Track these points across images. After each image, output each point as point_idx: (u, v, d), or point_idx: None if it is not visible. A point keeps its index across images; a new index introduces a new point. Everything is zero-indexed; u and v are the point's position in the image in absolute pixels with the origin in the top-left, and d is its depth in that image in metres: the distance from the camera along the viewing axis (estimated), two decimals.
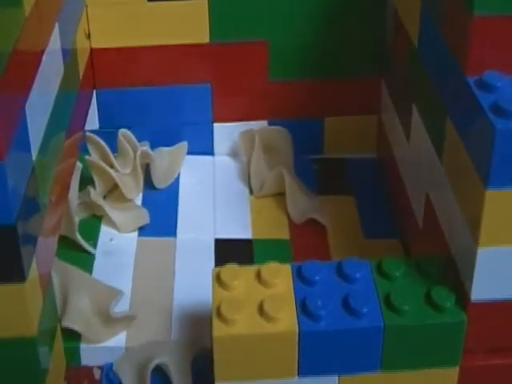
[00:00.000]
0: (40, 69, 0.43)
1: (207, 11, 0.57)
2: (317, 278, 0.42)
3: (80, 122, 0.56)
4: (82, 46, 0.56)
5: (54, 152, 0.46)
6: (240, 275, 0.42)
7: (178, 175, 0.61)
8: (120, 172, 0.58)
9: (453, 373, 0.42)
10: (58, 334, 0.45)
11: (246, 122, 0.62)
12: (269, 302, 0.41)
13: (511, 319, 0.41)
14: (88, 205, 0.57)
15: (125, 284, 0.51)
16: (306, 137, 0.62)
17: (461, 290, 0.41)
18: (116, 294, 0.49)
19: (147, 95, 0.60)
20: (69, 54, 0.51)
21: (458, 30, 0.41)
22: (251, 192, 0.60)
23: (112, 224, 0.56)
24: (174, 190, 0.60)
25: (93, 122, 0.60)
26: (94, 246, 0.55)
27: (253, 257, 0.54)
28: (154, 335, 0.48)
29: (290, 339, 0.40)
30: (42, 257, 0.41)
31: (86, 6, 0.57)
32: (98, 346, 0.47)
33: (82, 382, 0.46)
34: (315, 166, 0.62)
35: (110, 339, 0.48)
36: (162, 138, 0.61)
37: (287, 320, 0.40)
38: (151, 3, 0.57)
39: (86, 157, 0.57)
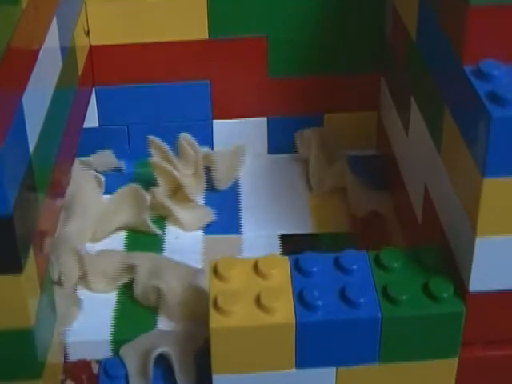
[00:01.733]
0: (37, 63, 0.43)
1: (206, 7, 0.57)
2: (314, 269, 0.42)
3: (79, 118, 0.55)
4: (81, 42, 0.56)
5: (52, 146, 0.46)
6: (237, 267, 0.42)
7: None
8: (182, 174, 0.58)
9: (451, 364, 0.42)
10: (56, 326, 0.45)
11: (246, 119, 0.62)
12: (266, 294, 0.41)
13: (510, 310, 0.41)
14: (151, 205, 0.57)
15: None
16: None
17: (459, 281, 0.41)
18: (198, 270, 0.50)
19: (147, 92, 0.60)
20: (67, 51, 0.51)
21: (455, 19, 0.41)
22: (309, 189, 0.60)
23: (177, 223, 0.57)
24: (234, 189, 0.60)
25: (92, 119, 0.60)
26: (161, 245, 0.55)
27: (318, 250, 0.53)
28: None
29: (287, 330, 0.40)
30: (40, 248, 0.41)
31: (85, 3, 0.57)
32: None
33: (79, 376, 0.45)
34: (368, 163, 0.62)
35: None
36: (161, 135, 0.61)
37: (284, 311, 0.40)
38: (150, 0, 0.57)
39: (150, 159, 0.58)
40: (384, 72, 0.60)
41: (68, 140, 0.50)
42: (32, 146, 0.40)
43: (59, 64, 0.49)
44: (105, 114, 0.61)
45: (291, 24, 0.58)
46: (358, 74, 0.61)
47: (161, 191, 0.57)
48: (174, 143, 0.60)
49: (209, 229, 0.56)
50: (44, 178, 0.43)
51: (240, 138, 0.62)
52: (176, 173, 0.58)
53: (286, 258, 0.43)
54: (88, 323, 0.48)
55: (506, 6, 0.39)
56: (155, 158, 0.59)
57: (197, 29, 0.58)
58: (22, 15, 0.40)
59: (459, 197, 0.41)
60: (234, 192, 0.60)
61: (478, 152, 0.38)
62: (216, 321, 0.40)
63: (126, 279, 0.51)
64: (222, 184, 0.60)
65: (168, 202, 0.57)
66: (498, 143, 0.37)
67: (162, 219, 0.57)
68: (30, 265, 0.39)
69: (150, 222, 0.55)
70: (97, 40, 0.58)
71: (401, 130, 0.54)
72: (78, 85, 0.55)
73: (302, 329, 0.40)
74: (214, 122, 0.62)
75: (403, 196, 0.54)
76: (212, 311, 0.40)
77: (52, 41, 0.47)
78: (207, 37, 0.58)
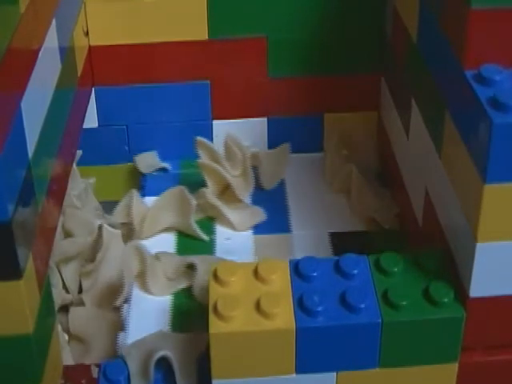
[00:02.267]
0: (36, 66, 0.43)
1: (206, 7, 0.57)
2: (314, 274, 0.42)
3: (78, 119, 0.55)
4: (80, 43, 0.56)
5: (52, 149, 0.46)
6: (237, 272, 0.42)
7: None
8: (230, 174, 0.58)
9: (452, 369, 0.42)
10: (56, 331, 0.45)
11: (246, 119, 0.62)
12: (266, 299, 0.41)
13: (510, 315, 0.41)
14: (200, 206, 0.57)
15: None
16: (306, 133, 0.62)
17: (459, 286, 0.41)
18: None
19: (146, 93, 0.60)
20: (66, 52, 0.51)
21: (456, 23, 0.40)
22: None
23: (226, 224, 0.57)
24: (280, 188, 0.60)
25: (92, 119, 0.60)
26: (212, 246, 0.55)
27: (369, 248, 0.52)
28: None
29: (287, 336, 0.40)
30: (39, 254, 0.40)
31: (84, 3, 0.57)
32: None
33: (79, 381, 0.45)
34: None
35: None
36: (160, 135, 0.61)
37: (284, 316, 0.40)
38: (150, 0, 0.57)
39: (198, 160, 0.58)
40: (384, 72, 0.59)
41: (68, 141, 0.50)
42: (31, 151, 0.40)
43: (58, 65, 0.48)
44: (104, 114, 0.61)
45: (291, 24, 0.58)
46: (358, 74, 0.61)
47: (209, 192, 0.57)
48: (175, 143, 0.61)
49: (258, 229, 0.57)
50: (43, 183, 0.43)
51: (240, 137, 0.62)
52: (225, 173, 0.58)
53: (286, 262, 0.43)
54: (144, 326, 0.48)
55: (507, 10, 0.39)
56: (203, 159, 0.59)
57: (197, 29, 0.58)
58: (21, 20, 0.40)
59: (460, 202, 0.41)
60: (279, 191, 0.60)
61: (479, 158, 0.38)
62: (216, 326, 0.40)
63: (183, 285, 0.51)
64: (269, 183, 0.60)
65: (218, 203, 0.57)
66: (499, 149, 0.36)
67: (211, 220, 0.57)
68: (29, 270, 0.39)
69: (195, 226, 0.55)
70: (96, 40, 0.58)
71: (401, 131, 0.54)
72: (78, 85, 0.54)
73: (302, 334, 0.40)
74: (214, 122, 0.62)
75: (404, 197, 0.53)
76: (212, 317, 0.40)
77: (51, 42, 0.47)
78: (207, 37, 0.58)
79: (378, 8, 0.58)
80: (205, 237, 0.55)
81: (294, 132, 0.62)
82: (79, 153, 0.59)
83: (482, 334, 0.41)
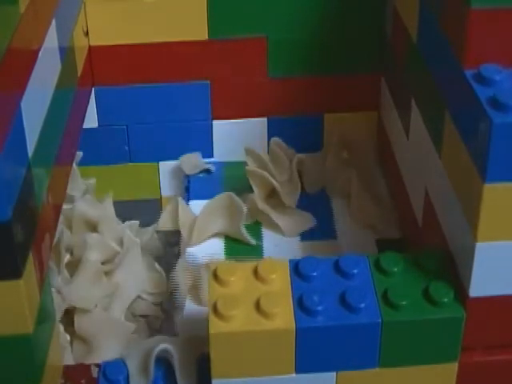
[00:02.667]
0: (36, 66, 0.43)
1: (206, 7, 0.57)
2: (314, 273, 0.42)
3: (78, 119, 0.55)
4: (80, 43, 0.56)
5: (52, 149, 0.46)
6: (237, 271, 0.42)
7: None
8: (276, 179, 0.58)
9: (452, 369, 0.42)
10: (56, 331, 0.45)
11: (246, 119, 0.62)
12: (266, 299, 0.41)
13: (510, 315, 0.41)
14: (248, 212, 0.57)
15: None
16: (306, 133, 0.62)
17: (459, 286, 0.41)
18: None
19: (146, 93, 0.60)
20: (66, 52, 0.51)
21: (456, 22, 0.40)
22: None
23: (275, 229, 0.57)
24: (323, 193, 0.60)
25: (92, 119, 0.60)
26: (260, 252, 0.55)
27: None
28: None
29: (287, 335, 0.40)
30: (39, 253, 0.40)
31: (84, 3, 0.57)
32: None
33: (79, 380, 0.45)
34: None
35: None
36: (160, 135, 0.61)
37: (284, 316, 0.40)
38: (150, 0, 0.57)
39: (246, 167, 0.58)
40: (384, 72, 0.59)
41: (68, 141, 0.50)
42: (31, 150, 0.40)
43: (58, 65, 0.48)
44: (104, 114, 0.61)
45: (291, 24, 0.58)
46: (358, 74, 0.61)
47: (258, 197, 0.57)
48: (174, 144, 0.61)
49: (306, 235, 0.56)
50: (43, 182, 0.43)
51: (240, 137, 0.62)
52: (272, 179, 0.57)
53: (286, 262, 0.43)
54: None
55: (507, 10, 0.39)
56: (250, 165, 0.59)
57: (197, 29, 0.58)
58: (20, 20, 0.40)
59: (460, 201, 0.41)
60: (323, 195, 0.60)
61: (479, 157, 0.38)
62: (215, 326, 0.40)
63: None
64: (314, 188, 0.60)
65: (267, 209, 0.57)
66: (498, 149, 0.36)
67: (258, 225, 0.57)
68: (30, 270, 0.39)
69: (245, 232, 0.55)
70: (96, 40, 0.58)
71: (401, 131, 0.54)
72: (78, 85, 0.55)
73: (301, 334, 0.40)
74: (214, 122, 0.62)
75: (404, 197, 0.53)
76: (211, 317, 0.40)
77: (51, 42, 0.47)
78: (207, 37, 0.58)
79: (378, 8, 0.58)
80: (253, 242, 0.55)
81: (294, 132, 0.62)
82: (79, 154, 0.59)
83: (482, 334, 0.41)
